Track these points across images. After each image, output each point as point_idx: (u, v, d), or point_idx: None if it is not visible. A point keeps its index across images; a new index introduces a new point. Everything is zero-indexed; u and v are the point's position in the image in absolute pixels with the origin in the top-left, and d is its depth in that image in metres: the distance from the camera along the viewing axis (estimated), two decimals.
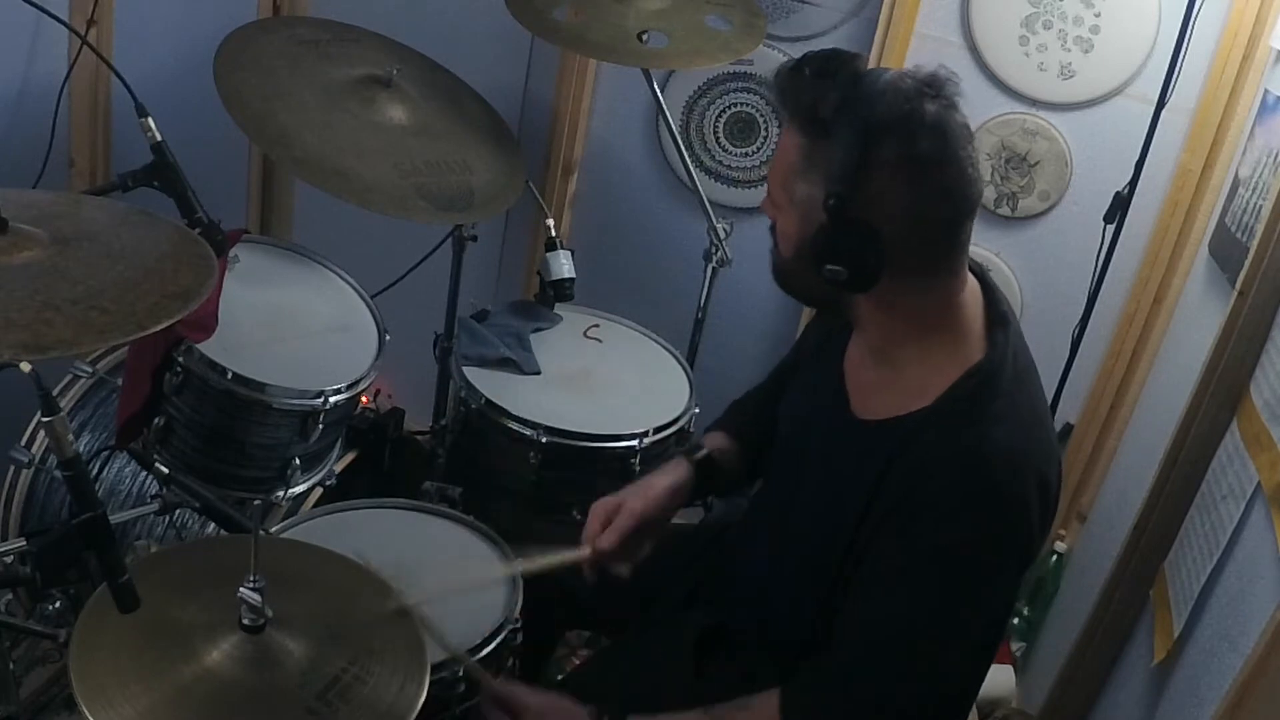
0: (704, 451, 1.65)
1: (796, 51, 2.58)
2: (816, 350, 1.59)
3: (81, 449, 1.88)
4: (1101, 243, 2.20)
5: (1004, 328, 1.37)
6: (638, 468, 2.02)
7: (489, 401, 2.05)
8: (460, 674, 1.50)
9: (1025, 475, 1.30)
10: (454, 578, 1.58)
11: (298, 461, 1.92)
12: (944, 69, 1.28)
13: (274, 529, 1.71)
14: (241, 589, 1.18)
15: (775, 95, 1.35)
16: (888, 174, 1.24)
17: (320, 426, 1.88)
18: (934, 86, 1.26)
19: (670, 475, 1.62)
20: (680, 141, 2.41)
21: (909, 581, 1.30)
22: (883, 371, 1.40)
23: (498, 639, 1.55)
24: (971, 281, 1.38)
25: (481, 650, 1.53)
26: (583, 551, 1.54)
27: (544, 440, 1.99)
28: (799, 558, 1.47)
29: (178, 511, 1.76)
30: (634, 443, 2.02)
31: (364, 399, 2.20)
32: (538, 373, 2.18)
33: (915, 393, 1.34)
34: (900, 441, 1.33)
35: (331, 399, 1.87)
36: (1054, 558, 2.49)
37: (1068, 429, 2.51)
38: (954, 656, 1.34)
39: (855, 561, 1.35)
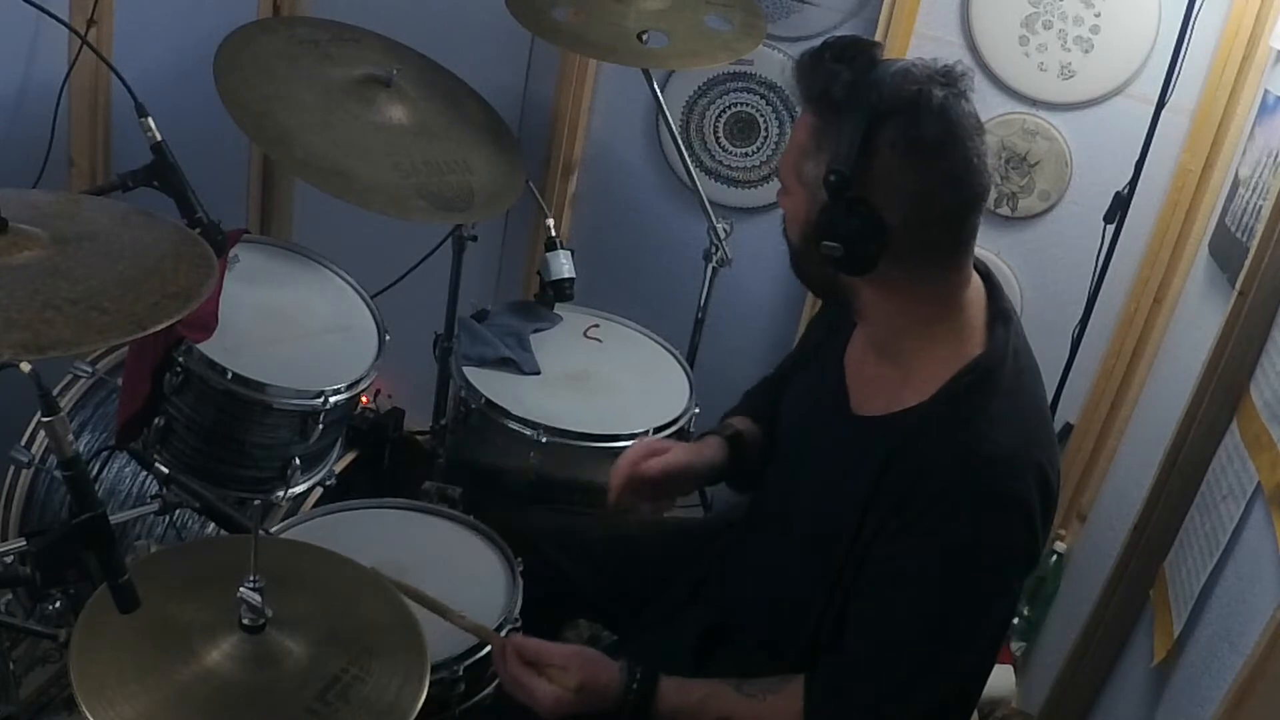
0: (735, 430, 1.66)
1: (796, 52, 2.60)
2: (818, 347, 1.59)
3: (81, 449, 1.88)
4: (1101, 243, 2.20)
5: (1005, 324, 1.37)
6: None
7: (489, 401, 2.05)
8: (460, 673, 1.51)
9: (1026, 476, 1.30)
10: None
11: (298, 461, 1.92)
12: (961, 64, 1.30)
13: (274, 529, 1.71)
14: (241, 589, 1.18)
15: (794, 78, 1.35)
16: (890, 155, 1.26)
17: (320, 426, 1.88)
18: (946, 75, 1.28)
19: (710, 449, 1.63)
20: (680, 141, 2.41)
21: (914, 583, 1.31)
22: (884, 367, 1.40)
23: None
24: (975, 279, 1.39)
25: (481, 650, 1.53)
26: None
27: (544, 440, 1.98)
28: (800, 555, 1.47)
29: (178, 511, 1.75)
30: (634, 443, 2.02)
31: (364, 399, 2.20)
32: (538, 373, 2.18)
33: (914, 387, 1.35)
34: (898, 438, 1.33)
35: (331, 399, 1.87)
36: (1054, 558, 2.49)
37: (1068, 429, 2.50)
38: (963, 654, 1.34)
39: (858, 561, 1.35)
